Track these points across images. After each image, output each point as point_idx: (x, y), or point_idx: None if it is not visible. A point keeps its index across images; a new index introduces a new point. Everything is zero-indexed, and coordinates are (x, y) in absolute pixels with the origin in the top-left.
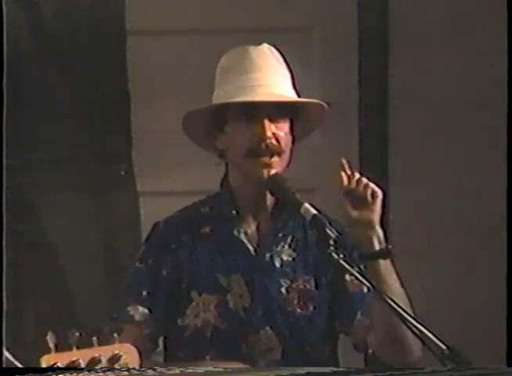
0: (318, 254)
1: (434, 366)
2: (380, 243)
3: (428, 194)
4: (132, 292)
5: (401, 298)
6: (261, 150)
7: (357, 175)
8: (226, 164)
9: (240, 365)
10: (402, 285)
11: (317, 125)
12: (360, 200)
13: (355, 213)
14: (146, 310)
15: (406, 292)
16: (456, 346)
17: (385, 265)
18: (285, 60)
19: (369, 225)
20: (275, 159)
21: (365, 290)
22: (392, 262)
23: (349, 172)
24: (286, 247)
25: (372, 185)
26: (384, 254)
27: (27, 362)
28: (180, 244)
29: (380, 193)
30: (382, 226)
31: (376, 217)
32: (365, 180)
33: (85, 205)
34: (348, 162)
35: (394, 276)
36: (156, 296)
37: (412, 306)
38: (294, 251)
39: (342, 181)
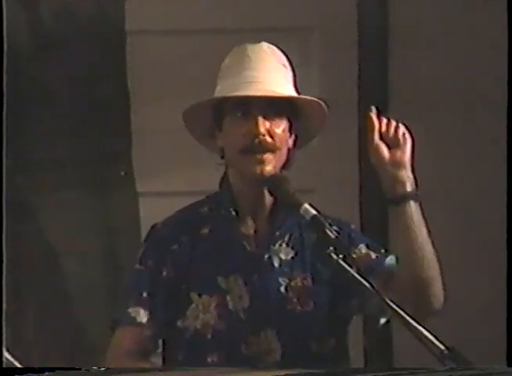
0: (315, 251)
1: (434, 366)
2: (411, 185)
3: (427, 193)
4: (133, 294)
5: (428, 242)
6: (254, 146)
7: (385, 119)
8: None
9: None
10: (428, 229)
11: (318, 127)
12: (393, 142)
13: (388, 154)
14: (147, 312)
15: (431, 236)
16: (456, 346)
17: (415, 207)
18: (288, 59)
19: (402, 165)
20: (269, 156)
21: (373, 256)
22: (421, 205)
23: (378, 117)
24: (284, 245)
25: (402, 126)
26: (416, 196)
27: (27, 362)
28: (180, 244)
29: (409, 136)
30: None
31: (407, 158)
32: (394, 122)
33: (85, 205)
34: (377, 107)
35: (422, 218)
36: (157, 297)
37: (436, 249)
38: (292, 249)
39: (374, 124)
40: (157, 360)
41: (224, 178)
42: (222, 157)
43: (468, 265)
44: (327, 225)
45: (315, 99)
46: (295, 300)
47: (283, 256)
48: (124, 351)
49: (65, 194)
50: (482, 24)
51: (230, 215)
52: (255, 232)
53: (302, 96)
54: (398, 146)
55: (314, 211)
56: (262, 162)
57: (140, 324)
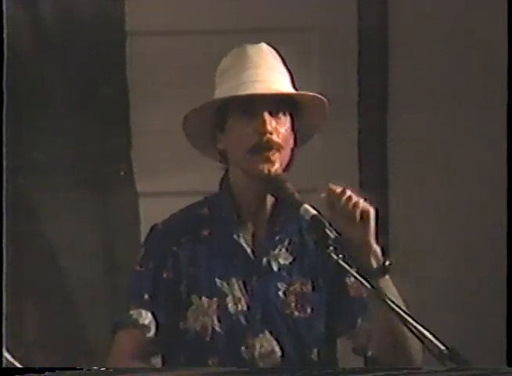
0: (314, 257)
1: (433, 366)
2: (377, 260)
3: (427, 193)
4: (134, 296)
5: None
6: (262, 144)
7: (348, 193)
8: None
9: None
10: (404, 301)
11: (319, 124)
12: (350, 219)
13: (346, 230)
14: (149, 313)
15: (407, 308)
16: (455, 346)
17: (384, 281)
18: (283, 61)
19: (364, 243)
20: (276, 154)
21: (366, 294)
22: (392, 278)
23: (340, 189)
24: (283, 250)
25: (361, 204)
26: (382, 271)
27: (27, 362)
28: (179, 246)
29: (371, 211)
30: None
31: (368, 235)
32: (354, 199)
33: (85, 205)
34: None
35: (395, 291)
36: (158, 299)
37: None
38: (291, 254)
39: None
40: (157, 362)
41: (224, 180)
42: (220, 161)
43: (468, 265)
44: (327, 224)
45: (318, 96)
46: (293, 305)
47: (281, 261)
48: (127, 354)
49: (65, 194)
50: (482, 24)
51: (231, 218)
52: (255, 235)
53: (307, 93)
54: (355, 225)
55: (314, 211)
56: (269, 161)
57: (142, 326)
